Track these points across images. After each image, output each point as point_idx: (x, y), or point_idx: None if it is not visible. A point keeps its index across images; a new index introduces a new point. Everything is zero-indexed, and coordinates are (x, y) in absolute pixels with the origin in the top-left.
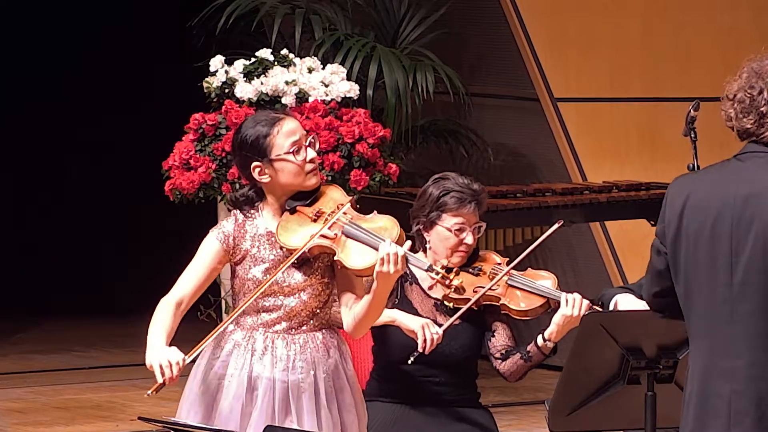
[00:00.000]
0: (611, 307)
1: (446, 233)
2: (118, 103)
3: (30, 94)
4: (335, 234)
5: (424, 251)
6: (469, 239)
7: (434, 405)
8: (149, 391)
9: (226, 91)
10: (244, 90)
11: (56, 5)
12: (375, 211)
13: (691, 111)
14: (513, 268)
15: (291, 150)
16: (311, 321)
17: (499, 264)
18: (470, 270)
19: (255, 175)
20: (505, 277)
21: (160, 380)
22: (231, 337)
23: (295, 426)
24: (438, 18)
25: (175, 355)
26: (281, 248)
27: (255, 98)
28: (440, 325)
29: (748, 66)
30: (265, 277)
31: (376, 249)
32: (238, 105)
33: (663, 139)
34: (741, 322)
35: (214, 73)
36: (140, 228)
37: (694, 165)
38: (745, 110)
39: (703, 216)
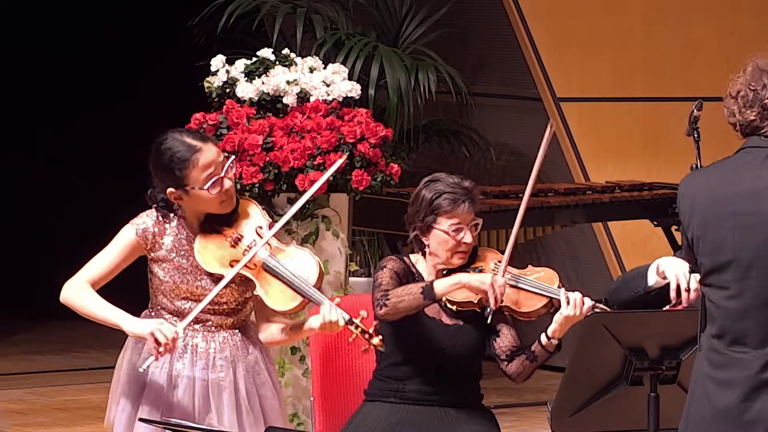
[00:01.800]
0: (651, 273)
1: (444, 236)
2: (118, 103)
3: (30, 93)
4: (255, 265)
5: (424, 256)
6: (467, 238)
7: (437, 406)
8: (143, 367)
9: (227, 90)
10: (246, 90)
11: (57, 5)
12: (294, 242)
13: (694, 111)
14: (510, 263)
15: (206, 186)
16: (230, 319)
17: (499, 263)
18: (470, 271)
19: (171, 198)
20: (508, 277)
21: (154, 353)
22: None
23: (215, 423)
24: (440, 17)
25: (170, 327)
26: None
27: (256, 98)
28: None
29: (752, 63)
30: (181, 282)
31: (298, 293)
32: (239, 105)
33: (666, 139)
34: (747, 317)
35: (215, 73)
36: None
37: (697, 165)
38: (749, 104)
39: (707, 213)
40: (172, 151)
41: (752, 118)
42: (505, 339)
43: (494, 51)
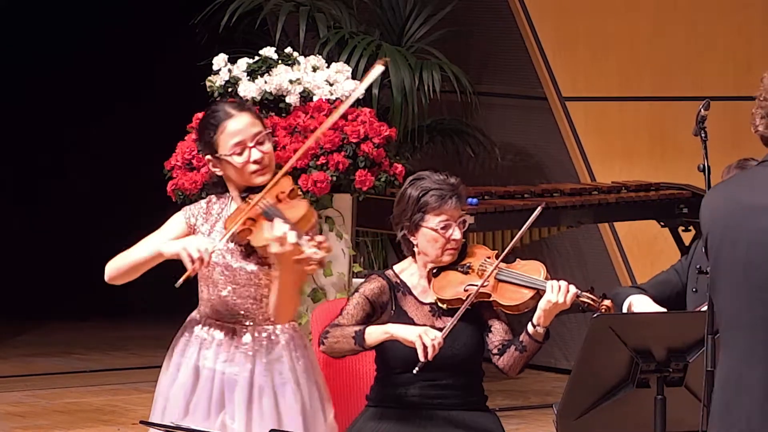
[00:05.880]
0: (625, 309)
1: (432, 233)
2: (119, 102)
3: (31, 93)
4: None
5: (413, 256)
6: (456, 235)
7: (440, 409)
8: (179, 281)
9: (230, 90)
10: (248, 89)
11: (58, 4)
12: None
13: (702, 110)
14: (502, 260)
15: (232, 152)
16: (258, 313)
17: (489, 258)
18: (459, 268)
19: (210, 167)
20: (495, 272)
21: (189, 268)
22: (188, 329)
23: (228, 417)
24: (444, 16)
25: (204, 242)
26: (233, 242)
27: (258, 97)
28: (439, 329)
29: None
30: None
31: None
32: None
33: (673, 139)
34: (761, 330)
35: (217, 72)
36: (142, 229)
37: (704, 165)
38: (762, 115)
39: (723, 226)
40: (208, 118)
41: (761, 129)
42: (497, 334)
43: (499, 50)
